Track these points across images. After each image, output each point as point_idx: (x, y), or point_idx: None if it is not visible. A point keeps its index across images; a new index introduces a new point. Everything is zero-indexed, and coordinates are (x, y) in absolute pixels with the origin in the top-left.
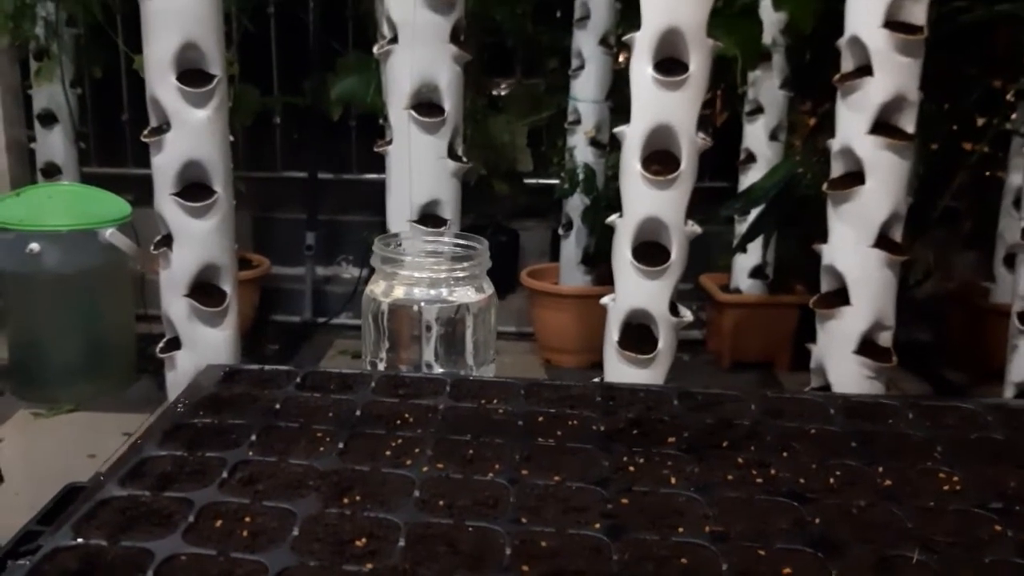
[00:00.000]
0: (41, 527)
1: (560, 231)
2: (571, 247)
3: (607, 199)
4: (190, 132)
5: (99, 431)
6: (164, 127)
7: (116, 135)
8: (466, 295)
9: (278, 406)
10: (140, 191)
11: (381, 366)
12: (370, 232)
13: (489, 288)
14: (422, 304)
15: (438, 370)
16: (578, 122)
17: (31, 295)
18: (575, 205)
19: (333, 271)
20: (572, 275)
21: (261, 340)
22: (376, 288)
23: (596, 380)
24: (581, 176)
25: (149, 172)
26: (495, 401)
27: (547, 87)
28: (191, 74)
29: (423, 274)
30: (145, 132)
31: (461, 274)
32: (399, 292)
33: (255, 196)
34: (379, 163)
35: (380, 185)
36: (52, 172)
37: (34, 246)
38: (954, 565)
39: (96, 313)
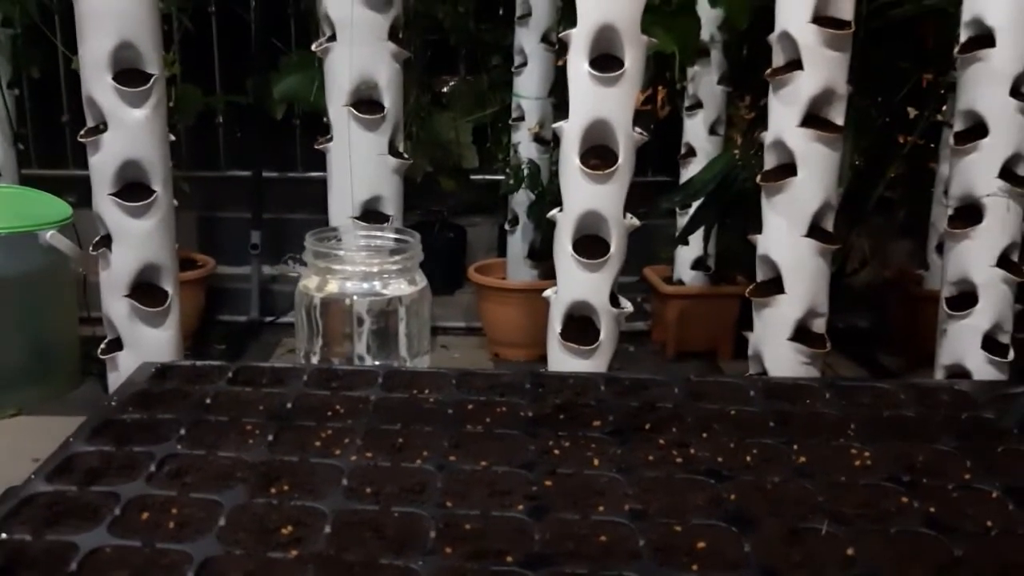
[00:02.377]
0: None
1: (506, 227)
2: (517, 242)
3: (551, 194)
4: (127, 132)
5: (43, 435)
6: (101, 127)
7: (55, 136)
8: (399, 288)
9: (209, 400)
10: (81, 192)
11: (315, 360)
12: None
13: (422, 281)
14: (354, 297)
15: (371, 363)
16: (522, 118)
17: None
18: (521, 201)
19: (279, 270)
20: (519, 270)
21: (207, 340)
22: (309, 283)
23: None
24: (526, 172)
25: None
26: (427, 391)
27: (491, 84)
28: (128, 73)
29: (355, 268)
30: (82, 132)
31: (394, 267)
32: (332, 286)
33: (199, 195)
34: (324, 161)
35: (325, 183)
36: None
37: None
38: (861, 536)
39: (38, 316)
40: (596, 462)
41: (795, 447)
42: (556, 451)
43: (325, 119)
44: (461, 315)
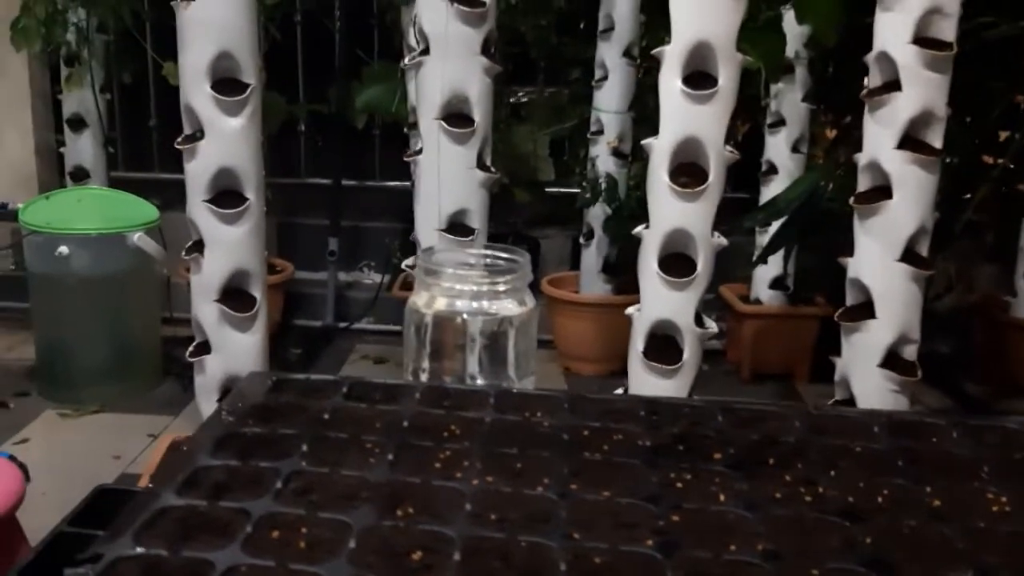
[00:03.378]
0: (73, 528)
1: (581, 240)
2: (592, 256)
3: (629, 209)
4: (223, 140)
5: (124, 432)
6: (198, 135)
7: (143, 140)
8: (509, 307)
9: (326, 416)
10: (167, 195)
11: (423, 376)
12: (392, 239)
13: (531, 301)
14: (466, 316)
15: (481, 382)
16: (601, 132)
17: (59, 297)
18: (596, 214)
19: (355, 276)
20: (592, 284)
21: (284, 344)
22: (418, 299)
23: (620, 391)
24: (603, 186)
25: (176, 177)
26: (539, 414)
27: (570, 97)
28: (225, 83)
29: (466, 286)
30: (179, 140)
31: (503, 287)
32: (441, 304)
33: (280, 202)
34: (402, 170)
35: (402, 192)
36: (81, 176)
37: (63, 249)
38: None
39: (123, 316)
40: (721, 497)
41: (928, 488)
42: (679, 484)
43: (405, 130)
44: (535, 312)
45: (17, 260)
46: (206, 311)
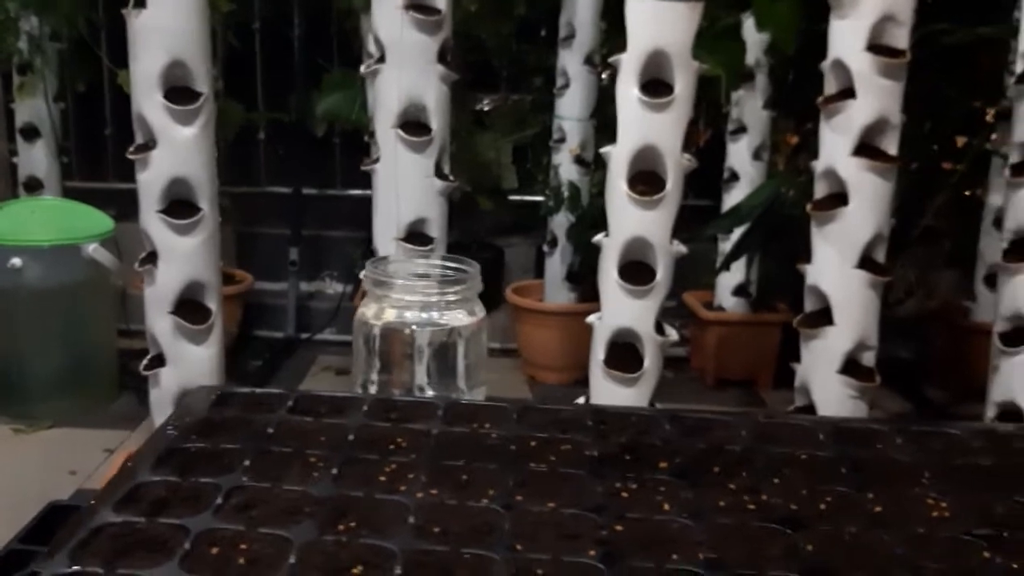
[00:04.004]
0: (24, 546)
1: (545, 248)
2: (556, 264)
3: (592, 217)
4: (176, 149)
5: (79, 448)
6: (150, 144)
7: (98, 149)
8: (458, 318)
9: (271, 430)
10: (122, 205)
11: (372, 388)
12: (355, 248)
13: (480, 311)
14: (414, 327)
15: (430, 393)
16: (563, 140)
17: (12, 310)
18: (560, 222)
19: (316, 287)
20: (557, 292)
21: (244, 356)
22: (367, 311)
23: (581, 400)
24: (566, 194)
25: (131, 186)
26: (487, 425)
27: (532, 105)
28: (177, 91)
29: (415, 297)
30: (131, 149)
31: (453, 297)
32: (390, 315)
33: (238, 211)
34: (364, 179)
35: (364, 201)
36: (34, 186)
37: (16, 261)
38: None
39: (78, 329)
40: (666, 506)
41: (870, 495)
42: (624, 493)
43: (366, 138)
44: (497, 336)
45: None
46: (160, 324)
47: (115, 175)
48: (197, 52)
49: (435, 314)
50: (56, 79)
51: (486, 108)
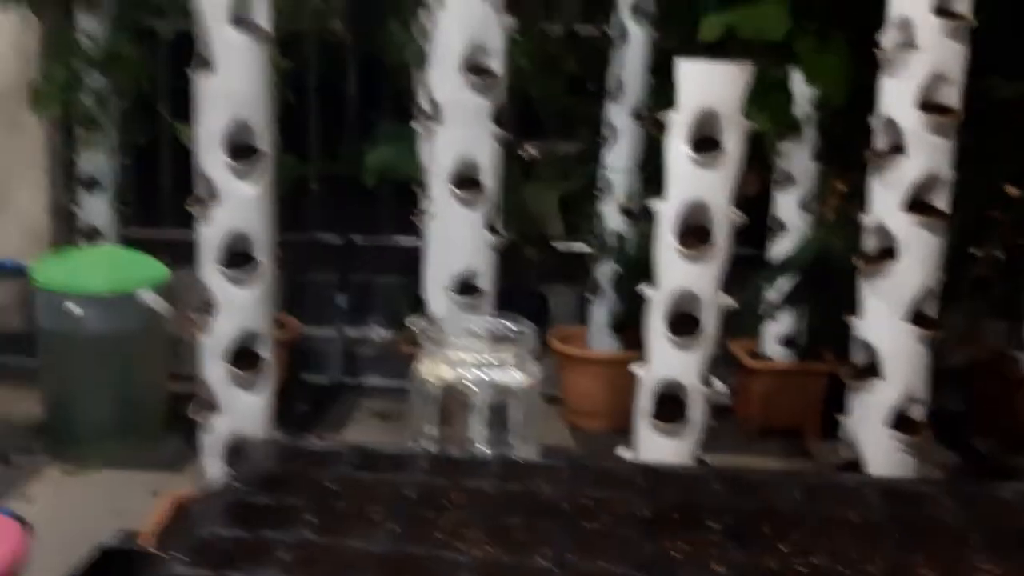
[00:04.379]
0: None
1: (589, 296)
2: (600, 312)
3: (637, 266)
4: (237, 205)
5: (128, 490)
6: (211, 199)
7: (153, 199)
8: (514, 378)
9: (333, 486)
10: (176, 253)
11: (429, 443)
12: (401, 295)
13: (534, 371)
14: (472, 386)
15: (485, 449)
16: (609, 190)
17: (69, 355)
18: (605, 271)
19: (362, 332)
20: (601, 340)
21: (290, 401)
22: (423, 367)
23: (626, 452)
24: (612, 243)
25: (185, 235)
26: (541, 483)
27: (578, 156)
28: (239, 149)
29: (471, 356)
30: (193, 203)
31: (509, 357)
32: (447, 372)
33: (288, 258)
34: (411, 227)
35: (412, 249)
36: (93, 235)
37: (74, 307)
38: None
39: (130, 373)
40: (717, 567)
41: (920, 559)
42: (675, 553)
43: (415, 188)
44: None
45: (26, 317)
46: (214, 371)
47: (170, 224)
48: (259, 112)
49: (490, 372)
50: (118, 133)
51: (530, 154)
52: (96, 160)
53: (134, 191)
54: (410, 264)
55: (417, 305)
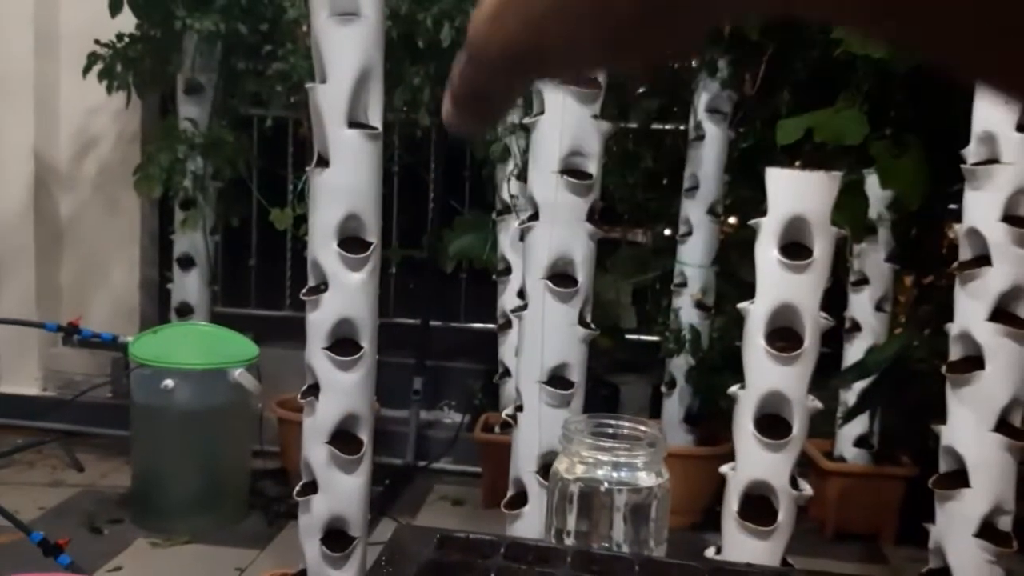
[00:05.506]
0: None
1: (663, 389)
2: (674, 405)
3: (713, 361)
4: (345, 293)
5: (212, 565)
6: (322, 287)
7: (242, 278)
8: (648, 479)
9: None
10: (261, 330)
11: (568, 539)
12: (474, 379)
13: (666, 472)
14: (612, 487)
15: (622, 549)
16: (684, 284)
17: (160, 428)
18: (679, 364)
19: (436, 416)
20: (675, 434)
21: None
22: (560, 465)
23: (712, 551)
24: (687, 337)
25: (271, 313)
26: None
27: (653, 249)
28: (350, 240)
29: (609, 457)
30: (304, 291)
31: (643, 459)
32: (582, 471)
33: None
34: (486, 313)
35: (485, 334)
36: (185, 312)
37: (168, 382)
38: None
39: (218, 449)
40: None
41: None
42: None
43: (493, 276)
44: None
45: (115, 389)
46: (316, 452)
47: (257, 303)
48: (369, 206)
49: (625, 474)
50: (213, 214)
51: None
52: (192, 239)
53: (224, 269)
54: (484, 349)
55: (490, 390)
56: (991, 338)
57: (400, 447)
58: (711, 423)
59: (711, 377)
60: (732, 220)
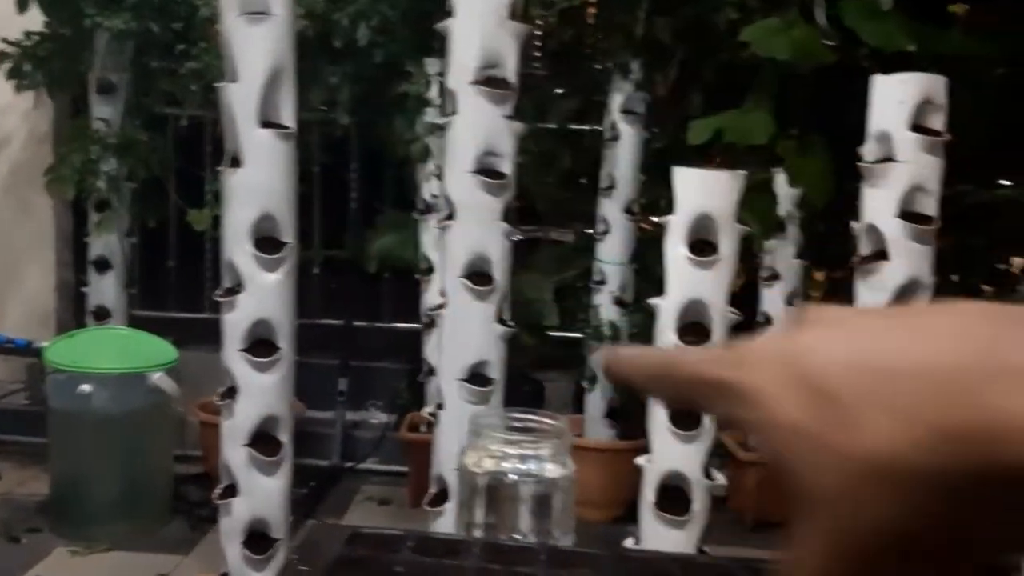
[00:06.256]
0: None
1: (585, 385)
2: (596, 401)
3: None
4: (261, 293)
5: (134, 572)
6: (237, 288)
7: (161, 280)
8: (554, 470)
9: (400, 568)
10: (182, 333)
11: (476, 532)
12: (400, 379)
13: (571, 464)
14: (517, 478)
15: (528, 539)
16: (603, 282)
17: (78, 434)
18: (600, 360)
19: (362, 416)
20: (597, 428)
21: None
22: (468, 460)
23: (630, 542)
24: (607, 333)
25: (192, 316)
26: (587, 571)
27: (573, 247)
28: (264, 241)
29: (515, 450)
30: (219, 292)
31: (549, 451)
32: (490, 464)
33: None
34: (410, 313)
35: (410, 333)
36: (103, 315)
37: (85, 387)
38: None
39: (138, 454)
40: None
41: None
42: None
43: (416, 275)
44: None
45: (31, 395)
46: (235, 455)
47: (176, 306)
48: (284, 206)
49: (532, 465)
50: (129, 215)
51: (518, 238)
52: (107, 242)
53: (142, 272)
54: (409, 349)
55: (416, 389)
56: None
57: (326, 448)
58: (632, 418)
59: None
60: (656, 219)
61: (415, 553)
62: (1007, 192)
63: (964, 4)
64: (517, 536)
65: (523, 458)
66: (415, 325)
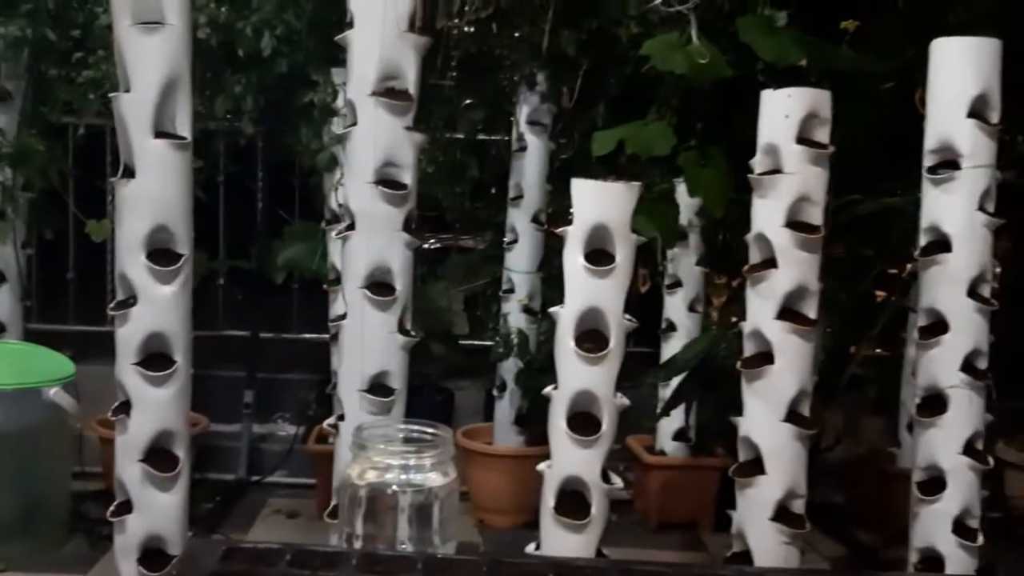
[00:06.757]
0: None
1: (494, 392)
2: (505, 408)
3: (540, 363)
4: (156, 306)
5: None
6: (131, 301)
7: (59, 293)
8: (435, 480)
9: None
10: (81, 346)
11: (357, 543)
12: (307, 391)
13: (453, 472)
14: (396, 488)
15: (409, 548)
16: (512, 290)
17: None
18: (509, 368)
19: (269, 429)
20: (506, 435)
21: (196, 499)
22: (352, 471)
23: (533, 547)
24: (515, 341)
25: (90, 329)
26: None
27: (482, 257)
28: (159, 252)
29: (396, 460)
30: (112, 305)
31: (430, 460)
32: (372, 476)
33: (196, 354)
34: (318, 323)
35: (319, 344)
36: None
37: None
38: None
39: (35, 471)
40: None
41: None
42: None
43: (324, 286)
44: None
45: None
46: (130, 471)
47: (75, 319)
48: (179, 217)
49: (414, 475)
50: (25, 226)
51: (431, 246)
52: (2, 253)
53: (39, 284)
54: (317, 360)
55: (324, 401)
56: (779, 335)
57: (232, 462)
58: (540, 424)
59: (538, 379)
60: (556, 231)
61: (291, 566)
62: (895, 201)
63: (855, 20)
64: (396, 546)
65: (405, 468)
66: (324, 336)
